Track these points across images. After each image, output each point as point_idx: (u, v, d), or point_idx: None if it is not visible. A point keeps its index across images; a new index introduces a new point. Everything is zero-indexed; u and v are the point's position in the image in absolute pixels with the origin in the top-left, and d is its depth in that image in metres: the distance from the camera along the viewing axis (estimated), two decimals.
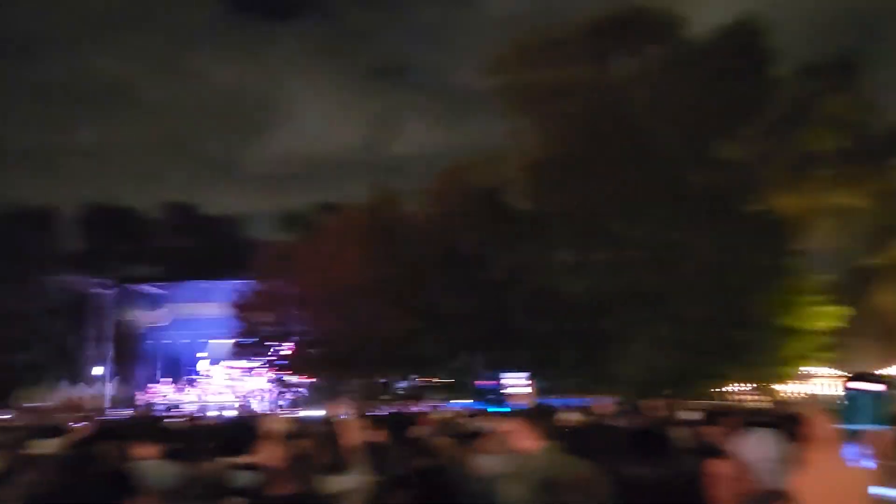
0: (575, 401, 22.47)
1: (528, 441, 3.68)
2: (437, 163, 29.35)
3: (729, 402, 21.59)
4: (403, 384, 29.64)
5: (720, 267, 22.40)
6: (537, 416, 3.89)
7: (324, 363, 27.58)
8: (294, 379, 29.43)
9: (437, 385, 28.22)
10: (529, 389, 22.47)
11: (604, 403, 14.72)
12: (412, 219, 28.99)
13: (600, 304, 22.71)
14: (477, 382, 26.66)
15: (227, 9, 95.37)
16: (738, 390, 24.87)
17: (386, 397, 28.05)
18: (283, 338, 29.56)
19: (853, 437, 0.94)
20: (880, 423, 0.98)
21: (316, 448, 5.88)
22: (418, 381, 29.37)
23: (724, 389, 24.34)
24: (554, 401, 19.25)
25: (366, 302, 25.85)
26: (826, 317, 23.89)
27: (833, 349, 23.37)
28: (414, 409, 21.39)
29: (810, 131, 27.46)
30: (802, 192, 27.77)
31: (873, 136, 28.01)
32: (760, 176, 25.59)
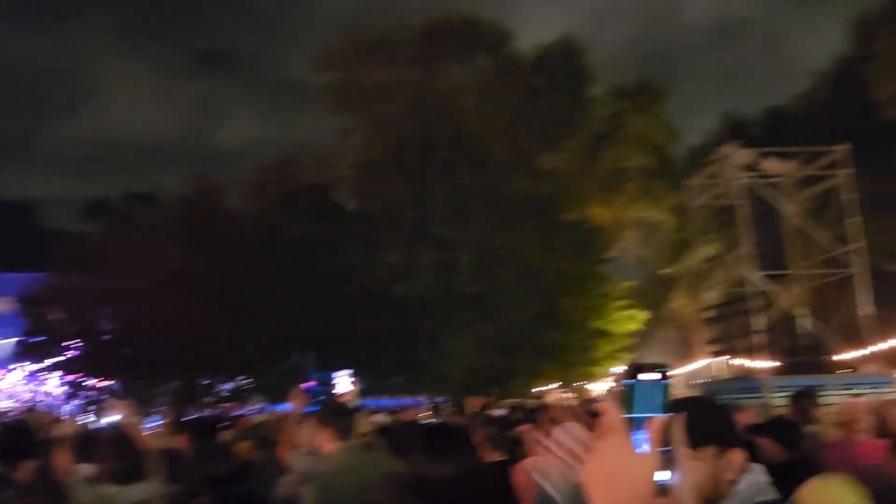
0: (403, 401, 22.58)
1: (325, 441, 3.48)
2: (263, 155, 28.10)
3: (543, 400, 22.63)
4: (227, 386, 28.08)
5: (539, 271, 23.47)
6: (333, 415, 3.67)
7: (128, 364, 25.37)
8: (92, 382, 26.81)
9: (261, 387, 26.99)
10: (352, 389, 22.10)
11: (418, 405, 14.83)
12: (235, 212, 27.59)
13: (425, 305, 22.91)
14: (304, 385, 25.82)
15: None
16: (552, 388, 26.23)
17: (209, 400, 26.45)
18: (81, 337, 26.78)
19: (637, 425, 0.90)
20: (658, 410, 0.95)
21: (106, 456, 5.24)
22: (244, 383, 27.97)
23: (542, 388, 25.58)
24: (378, 402, 19.12)
25: (181, 298, 24.12)
26: (631, 320, 25.90)
27: (637, 350, 25.36)
28: (233, 412, 20.28)
29: (620, 149, 29.80)
30: (613, 204, 30.07)
31: (672, 157, 31.01)
32: (578, 187, 27.24)
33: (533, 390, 25.24)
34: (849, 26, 23.36)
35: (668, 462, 0.95)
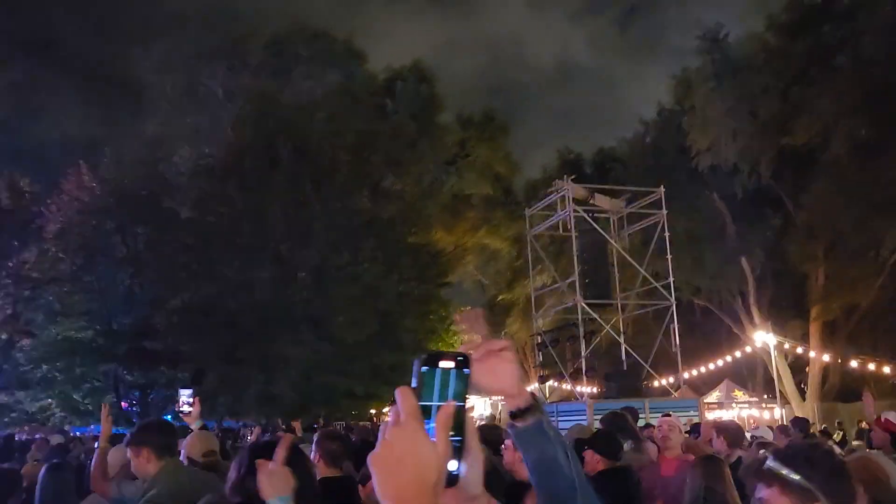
0: (226, 423, 21.31)
1: (144, 462, 3.25)
2: (88, 155, 25.74)
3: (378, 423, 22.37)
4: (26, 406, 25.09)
5: (379, 292, 23.31)
6: (150, 433, 3.35)
7: None
8: None
9: (67, 407, 24.41)
10: (192, 409, 20.63)
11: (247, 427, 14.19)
12: (50, 215, 24.98)
13: (260, 322, 21.93)
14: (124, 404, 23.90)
15: None
16: (386, 411, 26.02)
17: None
18: None
19: (432, 413, 0.87)
20: (453, 399, 0.92)
21: None
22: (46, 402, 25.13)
23: (376, 410, 25.33)
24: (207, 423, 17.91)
25: None
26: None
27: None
28: (25, 435, 18.18)
29: (464, 177, 30.67)
30: (455, 230, 30.79)
31: (513, 188, 32.40)
32: (422, 211, 27.55)
33: (372, 412, 24.92)
34: (671, 81, 25.68)
35: (458, 452, 0.93)
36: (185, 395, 5.38)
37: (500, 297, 32.02)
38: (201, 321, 21.00)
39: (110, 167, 25.09)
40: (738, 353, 20.47)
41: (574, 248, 17.84)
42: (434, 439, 0.88)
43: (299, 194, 22.91)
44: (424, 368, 0.93)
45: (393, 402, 0.87)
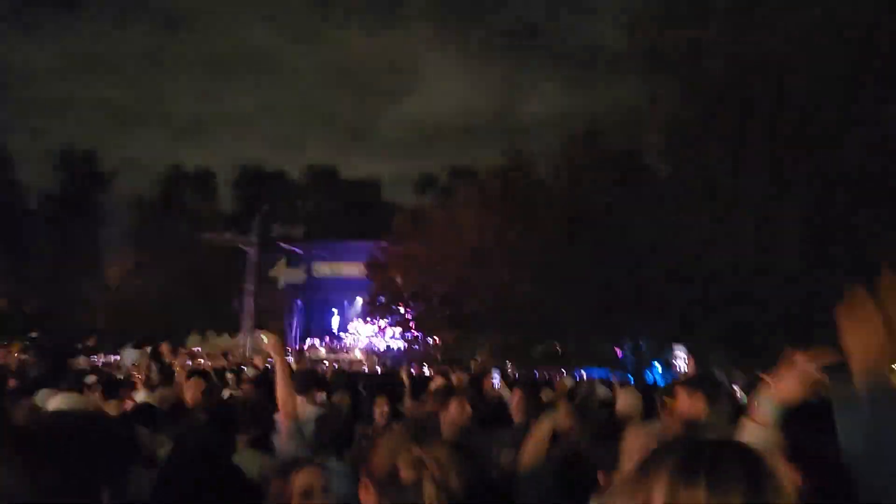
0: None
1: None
2: (569, 126, 28.75)
3: None
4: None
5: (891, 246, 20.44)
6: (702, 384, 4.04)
7: (452, 322, 28.25)
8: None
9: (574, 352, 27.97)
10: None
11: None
12: (546, 182, 28.63)
13: (742, 279, 21.46)
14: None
15: None
16: None
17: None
18: (415, 297, 30.36)
19: None
20: None
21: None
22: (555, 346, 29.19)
23: None
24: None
25: (498, 266, 26.00)
26: None
27: None
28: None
29: None
30: None
31: None
32: None
33: None
34: None
35: None
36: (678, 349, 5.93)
37: None
38: (685, 276, 21.59)
39: (589, 133, 27.33)
40: None
41: None
42: None
43: (777, 144, 21.42)
44: None
45: None
